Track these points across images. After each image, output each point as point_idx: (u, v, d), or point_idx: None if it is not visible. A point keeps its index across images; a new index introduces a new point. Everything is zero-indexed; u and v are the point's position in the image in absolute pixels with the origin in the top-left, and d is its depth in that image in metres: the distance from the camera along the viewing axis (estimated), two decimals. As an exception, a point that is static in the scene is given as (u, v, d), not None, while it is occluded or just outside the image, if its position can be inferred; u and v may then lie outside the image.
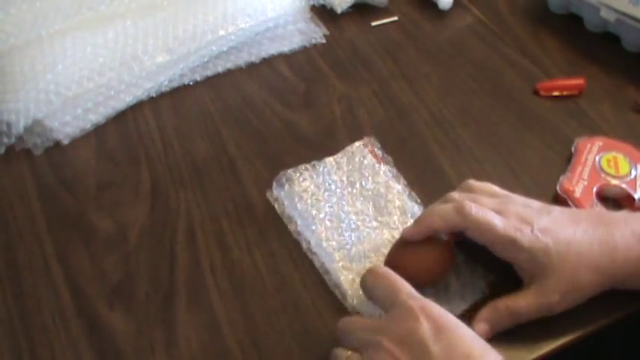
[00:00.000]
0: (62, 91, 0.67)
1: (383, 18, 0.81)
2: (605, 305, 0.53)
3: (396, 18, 0.82)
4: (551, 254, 0.49)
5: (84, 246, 0.59)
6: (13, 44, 0.70)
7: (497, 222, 0.50)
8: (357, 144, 0.64)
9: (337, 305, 0.54)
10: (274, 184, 0.61)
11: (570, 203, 0.58)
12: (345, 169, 0.62)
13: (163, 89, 0.72)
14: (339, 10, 0.81)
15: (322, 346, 0.51)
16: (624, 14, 0.71)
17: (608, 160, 0.61)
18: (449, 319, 0.44)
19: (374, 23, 0.81)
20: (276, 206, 0.60)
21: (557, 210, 0.52)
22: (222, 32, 0.74)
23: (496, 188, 0.55)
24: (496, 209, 0.51)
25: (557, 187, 0.60)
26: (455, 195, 0.54)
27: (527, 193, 0.61)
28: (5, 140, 0.66)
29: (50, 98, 0.67)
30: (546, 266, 0.49)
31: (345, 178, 0.61)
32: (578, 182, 0.59)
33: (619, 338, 0.62)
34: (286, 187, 0.61)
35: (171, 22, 0.73)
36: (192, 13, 0.74)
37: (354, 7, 0.82)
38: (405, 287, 0.46)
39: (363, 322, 0.46)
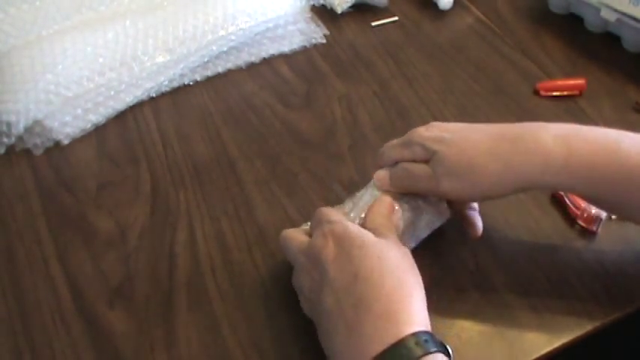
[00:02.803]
0: (62, 91, 0.67)
1: (383, 18, 0.81)
2: (605, 305, 0.53)
3: (396, 18, 0.82)
4: (444, 141, 0.51)
5: (84, 246, 0.59)
6: (12, 44, 0.70)
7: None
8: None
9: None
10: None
11: (567, 201, 0.58)
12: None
13: (163, 89, 0.72)
14: (339, 10, 0.81)
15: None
16: (624, 14, 0.71)
17: None
18: (353, 240, 0.47)
19: (374, 23, 0.81)
20: None
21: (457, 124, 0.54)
22: (222, 32, 0.74)
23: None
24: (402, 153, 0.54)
25: None
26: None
27: (528, 192, 0.61)
28: (5, 140, 0.66)
29: (50, 98, 0.67)
30: (438, 152, 0.51)
31: None
32: None
33: (619, 338, 0.62)
34: None
35: (171, 22, 0.73)
36: (192, 13, 0.74)
37: (354, 7, 0.82)
38: (332, 215, 0.50)
39: (298, 241, 0.51)
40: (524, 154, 0.49)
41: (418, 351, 0.41)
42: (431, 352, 0.42)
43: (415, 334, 0.42)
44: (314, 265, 0.48)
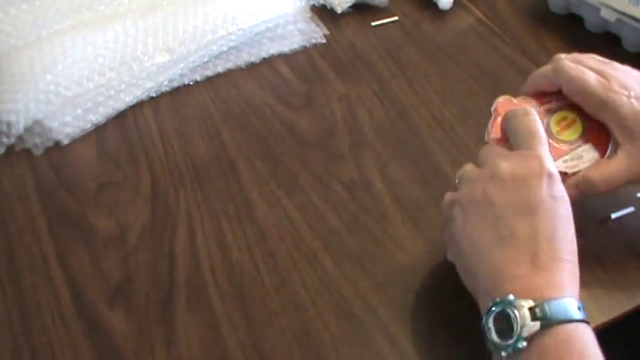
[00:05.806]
0: (62, 91, 0.67)
1: (383, 18, 0.81)
2: (605, 305, 0.53)
3: (396, 18, 0.82)
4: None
5: (84, 246, 0.59)
6: (12, 45, 0.70)
7: (591, 80, 0.51)
8: None
9: (337, 306, 0.54)
10: None
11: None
12: None
13: (163, 89, 0.72)
14: (339, 10, 0.81)
15: (322, 347, 0.51)
16: (625, 14, 0.71)
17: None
18: (564, 202, 0.45)
19: (374, 23, 0.81)
20: None
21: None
22: (222, 32, 0.74)
23: (600, 57, 0.55)
24: (598, 70, 0.52)
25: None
26: (561, 55, 0.55)
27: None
28: (5, 140, 0.66)
29: (50, 98, 0.67)
30: (634, 131, 0.49)
31: None
32: None
33: (619, 338, 0.62)
34: None
35: (171, 22, 0.73)
36: (192, 13, 0.74)
37: (354, 7, 0.82)
38: (545, 147, 0.48)
39: (498, 150, 0.49)
40: None
41: (580, 314, 0.41)
42: (585, 322, 0.42)
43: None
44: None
